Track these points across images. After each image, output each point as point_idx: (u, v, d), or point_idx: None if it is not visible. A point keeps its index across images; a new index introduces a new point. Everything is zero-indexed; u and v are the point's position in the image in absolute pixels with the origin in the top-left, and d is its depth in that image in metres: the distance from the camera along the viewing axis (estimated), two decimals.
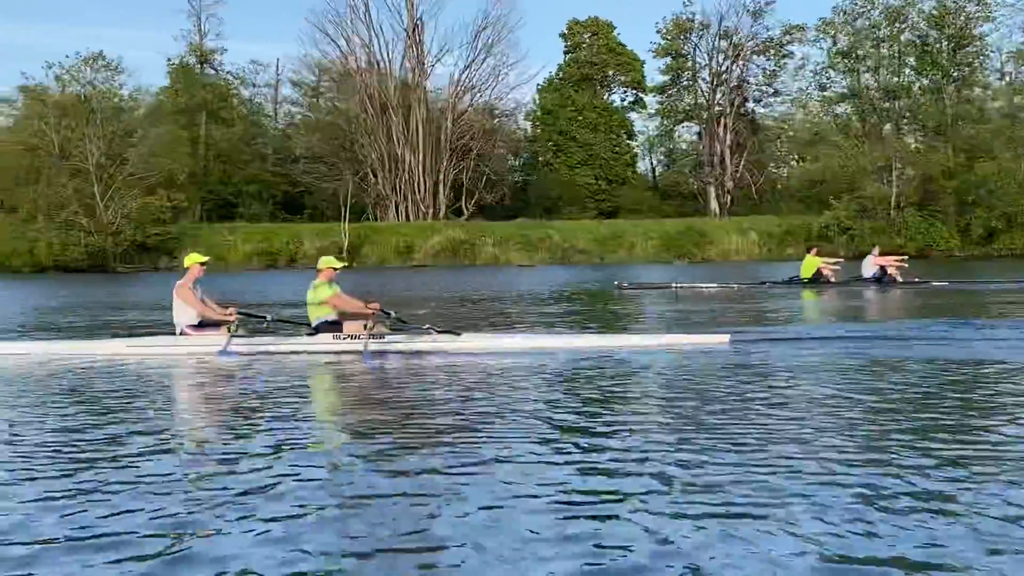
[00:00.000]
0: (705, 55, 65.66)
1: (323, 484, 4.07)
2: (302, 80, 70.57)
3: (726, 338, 9.18)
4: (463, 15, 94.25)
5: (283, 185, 64.14)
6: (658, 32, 66.45)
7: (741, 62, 64.28)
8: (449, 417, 5.61)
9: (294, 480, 4.09)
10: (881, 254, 20.52)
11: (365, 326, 9.14)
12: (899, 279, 19.47)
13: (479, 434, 5.03)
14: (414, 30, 60.16)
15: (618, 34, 70.36)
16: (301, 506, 3.68)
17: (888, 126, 52.91)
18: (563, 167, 66.96)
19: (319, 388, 7.47)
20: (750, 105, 66.80)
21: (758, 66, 65.00)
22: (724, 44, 64.77)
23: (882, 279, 19.42)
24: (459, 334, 9.35)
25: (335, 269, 9.58)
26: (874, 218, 47.10)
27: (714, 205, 64.85)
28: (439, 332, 9.30)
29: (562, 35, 71.09)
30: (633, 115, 72.34)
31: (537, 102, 69.94)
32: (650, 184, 74.01)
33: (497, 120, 65.02)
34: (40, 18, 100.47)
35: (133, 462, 4.52)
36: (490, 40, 61.44)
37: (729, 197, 64.46)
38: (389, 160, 59.30)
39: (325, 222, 57.45)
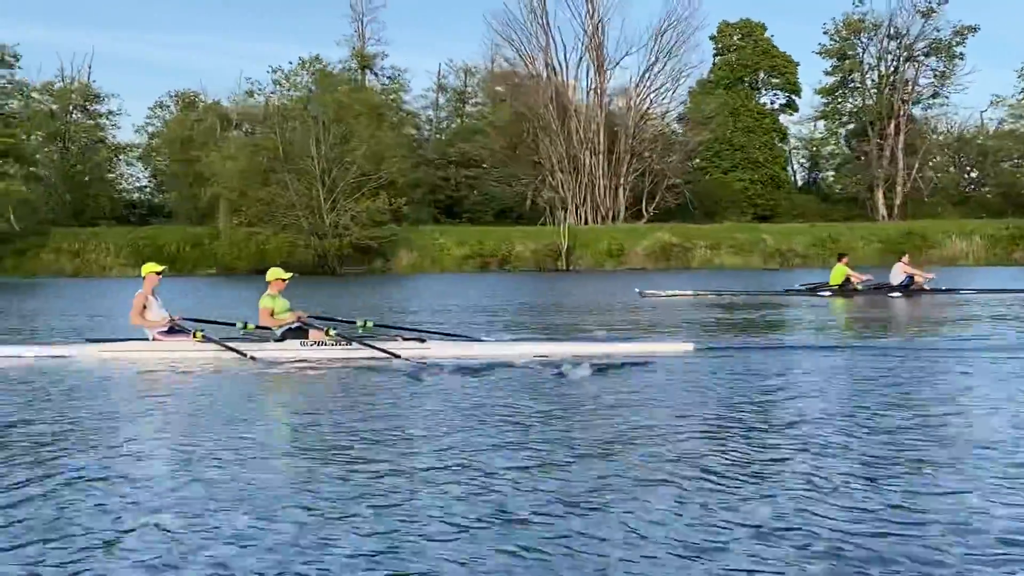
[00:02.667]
0: (873, 56, 64.84)
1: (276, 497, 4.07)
2: (453, 86, 70.43)
3: (690, 346, 9.36)
4: (646, 15, 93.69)
5: (447, 190, 63.73)
6: (825, 33, 65.73)
7: (914, 64, 63.32)
8: (400, 425, 5.70)
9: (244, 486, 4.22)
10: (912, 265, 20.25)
11: (327, 332, 9.41)
12: (926, 287, 19.23)
13: (415, 443, 5.13)
14: (595, 32, 59.44)
15: (771, 36, 69.60)
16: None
17: None
18: (716, 171, 66.29)
19: (277, 393, 7.62)
20: (916, 108, 65.82)
21: (930, 68, 64.02)
22: (893, 45, 63.95)
23: (909, 286, 19.12)
24: (424, 340, 9.48)
25: (284, 280, 9.85)
26: None
27: (882, 209, 63.90)
28: (406, 339, 9.53)
29: (712, 37, 70.34)
30: (784, 118, 71.52)
31: (688, 105, 69.16)
32: (794, 186, 73.18)
33: (674, 123, 64.38)
34: (195, 30, 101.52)
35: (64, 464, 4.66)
36: (671, 43, 60.63)
37: (898, 200, 63.51)
38: (569, 163, 58.59)
39: (483, 225, 56.86)
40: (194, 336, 9.43)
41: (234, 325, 9.80)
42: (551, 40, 60.34)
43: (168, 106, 69.20)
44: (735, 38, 69.68)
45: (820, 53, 65.97)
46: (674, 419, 5.67)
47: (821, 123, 69.79)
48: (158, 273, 9.89)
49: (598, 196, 58.77)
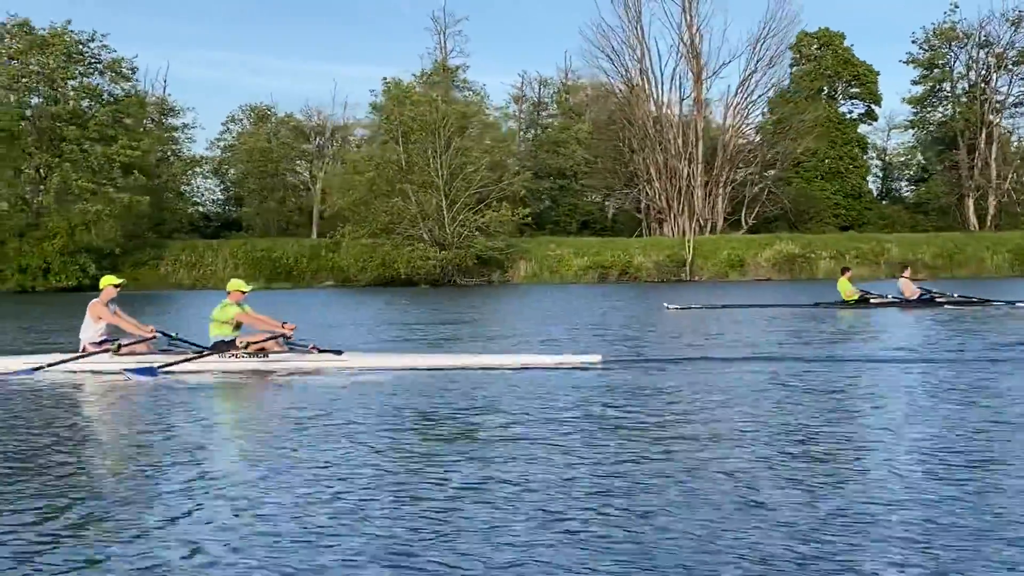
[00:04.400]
0: (963, 65, 64.12)
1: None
2: (529, 97, 69.42)
3: (597, 358, 9.57)
4: (746, 22, 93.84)
5: (530, 202, 62.57)
6: (914, 42, 65.01)
7: (1006, 74, 62.65)
8: (322, 433, 6.12)
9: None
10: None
11: (244, 346, 9.60)
12: (955, 295, 18.77)
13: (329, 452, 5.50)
14: (691, 42, 58.54)
15: (851, 45, 68.86)
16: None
17: None
18: (800, 180, 65.33)
19: (190, 405, 7.91)
20: (1006, 118, 65.12)
21: (1020, 76, 63.32)
22: (982, 54, 63.26)
23: (933, 299, 18.71)
24: (341, 353, 9.68)
25: (243, 292, 10.06)
26: None
27: (973, 220, 63.03)
28: (321, 351, 9.70)
29: (791, 47, 69.52)
30: (863, 127, 70.70)
31: (765, 114, 68.26)
32: (874, 196, 72.34)
33: (753, 133, 63.38)
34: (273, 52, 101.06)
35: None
36: (770, 52, 59.82)
37: (992, 211, 62.69)
38: (667, 173, 57.51)
39: (567, 236, 55.68)
40: (113, 350, 9.62)
41: (170, 336, 10.07)
42: (647, 50, 59.40)
43: (241, 120, 68.21)
44: (813, 48, 68.93)
45: (908, 62, 65.23)
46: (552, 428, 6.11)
47: (910, 132, 68.81)
48: (116, 286, 10.14)
49: (696, 205, 57.66)
